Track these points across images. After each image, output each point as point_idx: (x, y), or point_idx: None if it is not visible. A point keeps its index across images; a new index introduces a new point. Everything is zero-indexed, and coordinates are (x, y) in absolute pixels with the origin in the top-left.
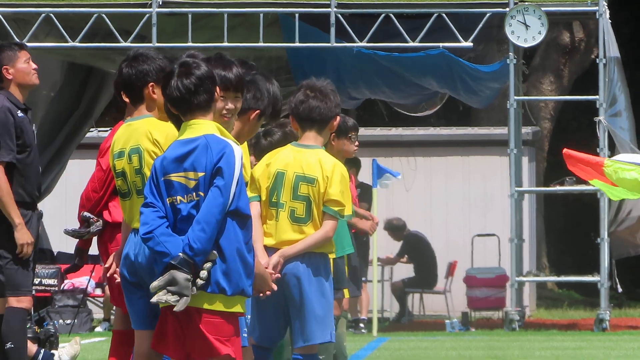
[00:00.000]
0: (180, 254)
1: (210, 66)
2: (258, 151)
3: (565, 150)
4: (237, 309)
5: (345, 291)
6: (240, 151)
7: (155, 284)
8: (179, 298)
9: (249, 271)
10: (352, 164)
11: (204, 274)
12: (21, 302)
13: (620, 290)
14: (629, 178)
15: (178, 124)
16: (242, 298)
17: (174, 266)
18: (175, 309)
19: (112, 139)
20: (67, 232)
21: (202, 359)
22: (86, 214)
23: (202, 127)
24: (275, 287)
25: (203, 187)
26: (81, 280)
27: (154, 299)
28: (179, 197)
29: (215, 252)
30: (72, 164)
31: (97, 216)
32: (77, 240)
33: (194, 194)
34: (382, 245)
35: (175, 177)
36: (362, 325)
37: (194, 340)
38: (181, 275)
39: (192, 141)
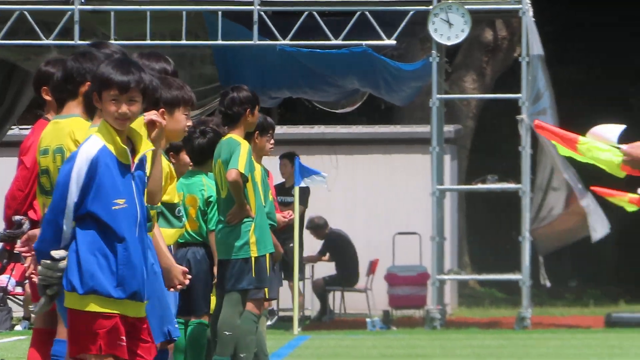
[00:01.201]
0: None
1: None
2: (194, 150)
3: (536, 121)
4: (92, 308)
5: (265, 291)
6: (88, 157)
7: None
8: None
9: (111, 273)
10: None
11: (40, 270)
12: None
13: (549, 285)
14: (603, 158)
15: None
16: (99, 298)
17: None
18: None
19: (33, 137)
20: (1, 238)
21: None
22: (17, 217)
23: (98, 127)
24: (187, 281)
25: None
26: (1, 278)
27: None
28: None
29: (59, 251)
30: None
31: (23, 215)
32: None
33: None
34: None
35: None
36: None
37: None
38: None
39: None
